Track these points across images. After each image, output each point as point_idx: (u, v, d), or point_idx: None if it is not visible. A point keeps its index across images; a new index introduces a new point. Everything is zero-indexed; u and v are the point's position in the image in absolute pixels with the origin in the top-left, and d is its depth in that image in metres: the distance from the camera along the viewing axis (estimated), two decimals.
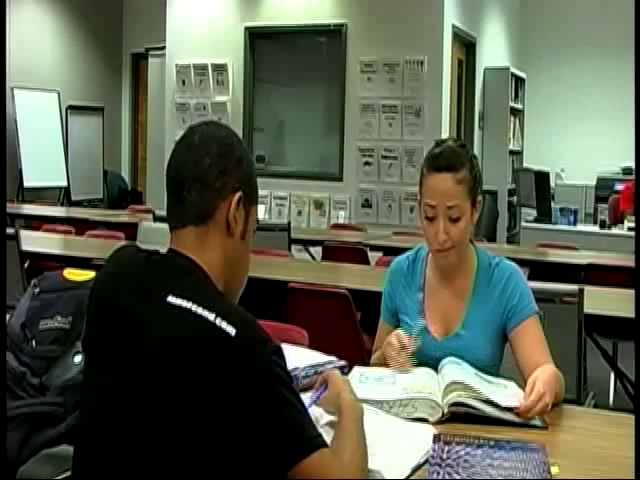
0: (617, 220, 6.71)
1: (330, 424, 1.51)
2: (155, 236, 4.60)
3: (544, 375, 1.82)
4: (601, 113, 9.91)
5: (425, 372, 1.94)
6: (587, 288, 3.00)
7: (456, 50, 7.80)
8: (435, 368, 1.97)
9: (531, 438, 1.63)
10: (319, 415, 1.56)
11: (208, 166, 1.38)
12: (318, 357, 2.07)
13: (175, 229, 1.41)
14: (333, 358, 2.05)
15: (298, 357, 1.99)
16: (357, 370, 2.00)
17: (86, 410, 1.39)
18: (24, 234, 4.39)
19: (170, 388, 1.23)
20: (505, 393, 1.84)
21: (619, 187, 7.74)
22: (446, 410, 1.74)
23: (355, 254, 4.77)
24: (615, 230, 6.58)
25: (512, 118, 9.11)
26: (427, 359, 2.00)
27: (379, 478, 1.42)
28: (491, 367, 2.03)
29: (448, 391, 1.78)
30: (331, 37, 7.73)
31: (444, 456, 1.51)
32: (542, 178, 7.35)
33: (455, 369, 1.90)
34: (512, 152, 9.09)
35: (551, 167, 8.76)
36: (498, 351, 2.07)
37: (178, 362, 1.23)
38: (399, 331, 2.00)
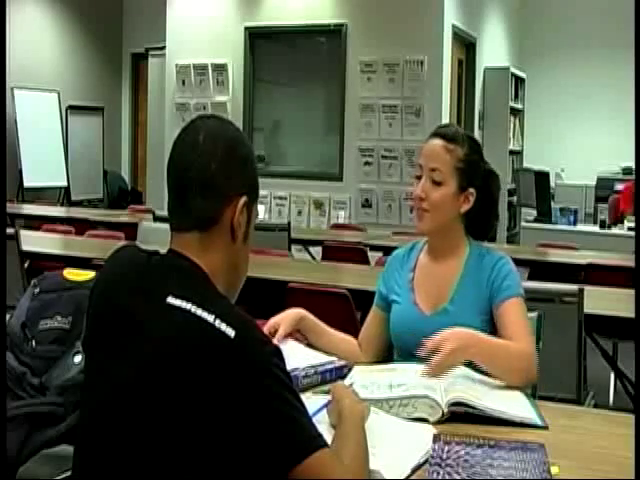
0: (617, 220, 6.72)
1: (332, 425, 1.51)
2: (155, 236, 4.61)
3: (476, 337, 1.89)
4: (601, 113, 9.91)
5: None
6: (587, 288, 3.00)
7: (456, 50, 7.80)
8: (422, 342, 1.98)
9: (531, 438, 1.63)
10: (322, 414, 1.56)
11: (214, 170, 1.36)
12: (319, 357, 2.07)
13: (177, 231, 1.40)
14: (333, 358, 2.06)
15: (298, 357, 1.99)
16: (357, 370, 2.00)
17: (86, 410, 1.39)
18: (24, 234, 4.39)
19: (170, 389, 1.23)
20: (504, 395, 1.84)
21: (619, 187, 7.74)
22: (446, 410, 1.74)
23: (355, 254, 4.77)
24: (615, 230, 6.59)
25: (512, 118, 9.11)
26: (415, 332, 2.02)
27: (379, 478, 1.42)
28: None
29: (449, 392, 1.78)
30: (331, 37, 7.73)
31: (444, 456, 1.51)
32: (542, 178, 7.36)
33: (456, 376, 1.90)
34: (512, 152, 9.09)
35: (551, 167, 8.76)
36: (487, 332, 2.08)
37: (177, 363, 1.23)
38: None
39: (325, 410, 1.59)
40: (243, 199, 1.39)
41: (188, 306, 1.26)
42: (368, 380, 1.89)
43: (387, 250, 4.89)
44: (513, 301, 2.03)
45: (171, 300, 1.27)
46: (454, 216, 2.12)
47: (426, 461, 1.51)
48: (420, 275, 2.18)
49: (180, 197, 1.39)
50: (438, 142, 2.11)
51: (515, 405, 1.80)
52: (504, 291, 2.04)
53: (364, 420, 1.50)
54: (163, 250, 1.41)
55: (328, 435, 1.35)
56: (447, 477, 1.44)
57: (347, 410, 1.48)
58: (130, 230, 5.28)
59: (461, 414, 1.74)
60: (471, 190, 2.11)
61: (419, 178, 2.12)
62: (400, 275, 2.21)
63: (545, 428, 1.72)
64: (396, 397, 1.77)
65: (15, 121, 9.09)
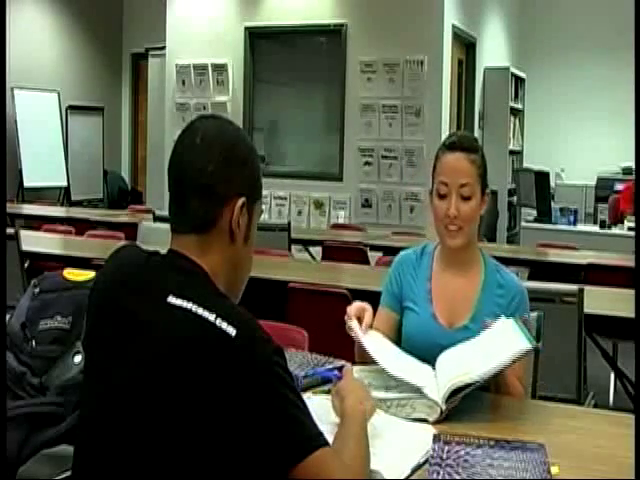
0: (617, 220, 6.72)
1: (334, 424, 1.51)
2: (155, 236, 4.60)
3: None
4: (601, 113, 9.91)
5: (422, 368, 1.93)
6: (587, 288, 3.00)
7: (456, 50, 7.80)
8: (437, 356, 1.99)
9: (531, 438, 1.63)
10: (323, 413, 1.56)
11: (211, 173, 1.35)
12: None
13: (176, 232, 1.40)
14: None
15: (388, 346, 2.00)
16: (357, 369, 2.00)
17: (86, 410, 1.39)
18: (24, 234, 4.40)
19: (171, 388, 1.23)
20: (491, 342, 1.88)
21: (619, 187, 7.75)
22: (444, 407, 1.73)
23: (355, 254, 4.77)
24: (615, 230, 6.59)
25: (512, 118, 9.11)
26: (433, 346, 2.01)
27: (379, 478, 1.42)
28: None
29: (443, 383, 1.78)
30: (331, 37, 7.72)
31: (444, 456, 1.51)
32: (542, 178, 7.36)
33: (447, 360, 1.91)
34: (512, 152, 9.09)
35: (551, 167, 8.76)
36: None
37: (178, 363, 1.23)
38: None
39: (328, 410, 1.58)
40: (241, 200, 1.38)
41: (189, 305, 1.26)
42: (365, 380, 1.89)
43: (387, 250, 4.89)
44: None
45: (172, 299, 1.27)
46: (478, 221, 2.13)
47: (426, 461, 1.51)
48: (437, 286, 2.15)
49: (178, 199, 1.39)
50: (460, 156, 2.07)
51: (503, 347, 1.80)
52: None
53: (366, 420, 1.50)
54: (163, 250, 1.41)
55: (330, 435, 1.35)
56: (447, 477, 1.44)
57: (349, 409, 1.48)
58: (130, 230, 5.28)
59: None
60: (487, 191, 2.12)
61: (443, 197, 2.08)
62: (415, 282, 2.17)
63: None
64: (393, 398, 1.78)
65: (15, 121, 9.08)
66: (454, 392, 1.74)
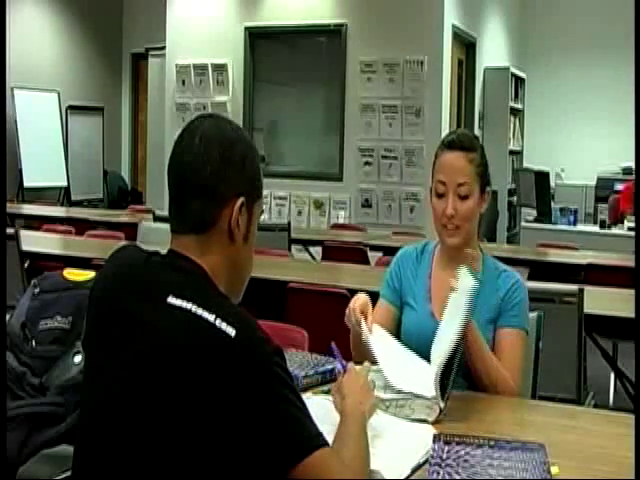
0: (617, 220, 6.72)
1: (334, 424, 1.51)
2: (155, 236, 4.60)
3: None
4: (601, 113, 9.91)
5: (424, 368, 1.93)
6: (587, 288, 3.01)
7: (456, 50, 7.80)
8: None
9: (531, 438, 1.63)
10: (323, 413, 1.56)
11: (209, 174, 1.35)
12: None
13: (176, 232, 1.40)
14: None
15: (394, 345, 2.01)
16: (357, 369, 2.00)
17: (86, 410, 1.39)
18: (24, 234, 4.40)
19: (170, 388, 1.23)
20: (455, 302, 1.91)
21: (619, 187, 7.76)
22: (442, 405, 1.73)
23: (355, 254, 4.77)
24: (615, 230, 6.59)
25: (512, 118, 9.11)
26: (430, 342, 2.00)
27: (379, 478, 1.42)
28: None
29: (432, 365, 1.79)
30: (331, 37, 7.72)
31: (444, 456, 1.51)
32: (542, 178, 7.36)
33: (434, 350, 1.92)
34: (512, 152, 9.09)
35: (551, 167, 8.76)
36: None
37: (178, 363, 1.23)
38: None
39: (328, 410, 1.58)
40: (240, 200, 1.38)
41: (189, 306, 1.26)
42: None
43: (387, 250, 4.89)
44: (515, 332, 2.05)
45: (171, 300, 1.27)
46: (477, 220, 2.12)
47: (426, 461, 1.51)
48: (436, 285, 2.15)
49: (178, 200, 1.39)
50: (458, 154, 2.06)
51: (460, 299, 1.84)
52: (509, 319, 2.06)
53: (366, 420, 1.50)
54: (163, 250, 1.41)
55: (330, 435, 1.35)
56: (447, 477, 1.44)
57: (349, 408, 1.48)
58: (130, 230, 5.28)
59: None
60: (488, 189, 2.12)
61: (441, 196, 2.08)
62: (415, 280, 2.18)
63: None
64: (391, 398, 1.77)
65: (15, 121, 9.08)
66: (444, 375, 1.74)
